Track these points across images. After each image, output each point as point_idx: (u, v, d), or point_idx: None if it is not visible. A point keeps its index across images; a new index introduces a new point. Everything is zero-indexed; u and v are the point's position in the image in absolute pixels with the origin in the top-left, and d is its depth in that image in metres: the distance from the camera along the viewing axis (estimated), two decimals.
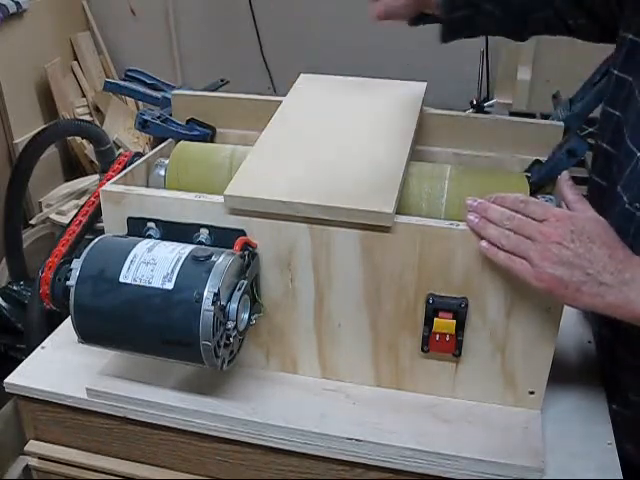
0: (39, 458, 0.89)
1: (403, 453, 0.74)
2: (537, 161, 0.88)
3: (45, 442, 0.89)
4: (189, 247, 0.74)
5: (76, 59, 2.69)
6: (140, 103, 2.55)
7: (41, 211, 2.31)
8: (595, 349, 0.91)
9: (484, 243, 0.70)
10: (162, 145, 0.96)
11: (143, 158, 0.91)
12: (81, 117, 2.57)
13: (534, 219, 0.68)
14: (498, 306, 0.74)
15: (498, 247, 0.69)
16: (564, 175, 0.76)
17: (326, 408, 0.79)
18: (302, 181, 0.76)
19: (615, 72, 0.82)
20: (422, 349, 0.77)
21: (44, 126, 2.22)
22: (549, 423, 0.78)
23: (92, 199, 0.93)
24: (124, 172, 0.86)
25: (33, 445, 0.89)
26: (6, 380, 0.86)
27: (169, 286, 0.70)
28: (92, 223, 0.92)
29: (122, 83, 1.08)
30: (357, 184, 0.75)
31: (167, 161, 0.92)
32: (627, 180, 0.78)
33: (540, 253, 0.66)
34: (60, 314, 0.87)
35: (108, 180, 0.84)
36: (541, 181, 0.84)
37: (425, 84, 1.01)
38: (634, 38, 0.78)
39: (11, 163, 2.31)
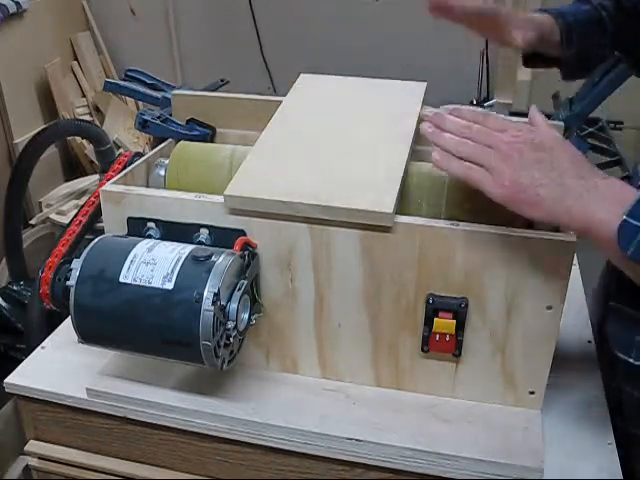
0: (39, 458, 0.89)
1: (403, 453, 0.74)
2: None
3: (45, 442, 0.89)
4: (189, 247, 0.74)
5: (76, 59, 2.70)
6: (140, 103, 2.55)
7: (41, 211, 2.31)
8: (595, 349, 0.91)
9: (436, 154, 0.68)
10: (162, 145, 0.96)
11: (143, 158, 0.92)
12: (81, 117, 2.57)
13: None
14: (498, 306, 0.74)
15: (454, 156, 0.67)
16: (534, 107, 0.72)
17: (326, 408, 0.79)
18: (302, 181, 0.76)
19: None
20: (422, 349, 0.77)
21: (44, 126, 2.22)
22: (549, 423, 0.78)
23: (92, 199, 0.93)
24: (124, 172, 0.86)
25: (33, 445, 0.89)
26: (6, 380, 0.86)
27: (169, 286, 0.70)
28: (92, 223, 0.93)
29: (122, 83, 1.08)
30: (357, 184, 0.75)
31: (167, 161, 0.92)
32: None
33: (500, 160, 0.64)
34: (60, 314, 0.87)
35: (108, 180, 0.84)
36: None
37: (425, 84, 1.01)
38: None
39: (11, 163, 2.31)
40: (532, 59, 0.96)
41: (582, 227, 0.63)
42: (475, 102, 2.04)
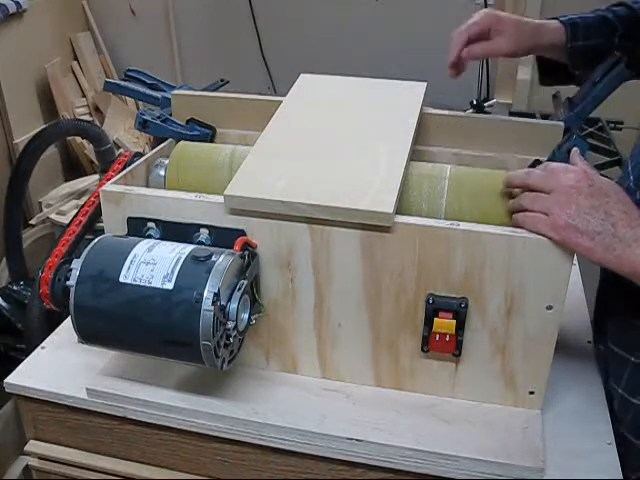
0: (39, 458, 0.89)
1: (403, 453, 0.74)
2: (537, 161, 0.88)
3: (45, 442, 0.89)
4: (189, 247, 0.74)
5: (76, 59, 2.69)
6: (140, 103, 2.55)
7: (41, 211, 2.31)
8: (596, 348, 0.91)
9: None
10: (162, 145, 0.96)
11: (143, 158, 0.92)
12: (81, 117, 2.57)
13: None
14: (498, 306, 0.74)
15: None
16: (575, 150, 0.77)
17: (326, 408, 0.79)
18: (302, 181, 0.76)
19: None
20: (422, 349, 0.77)
21: (44, 126, 2.22)
22: (549, 423, 0.78)
23: (92, 199, 0.93)
24: (124, 172, 0.86)
25: (33, 445, 0.89)
26: (6, 380, 0.86)
27: (169, 286, 0.70)
28: (92, 223, 0.92)
29: (122, 83, 1.08)
30: (357, 184, 0.75)
31: (167, 161, 0.92)
32: (637, 160, 0.82)
33: (556, 203, 0.68)
34: (60, 314, 0.87)
35: (108, 180, 0.84)
36: None
37: (425, 84, 1.01)
38: None
39: (11, 163, 2.31)
40: (547, 75, 1.01)
41: (629, 272, 0.68)
42: (475, 102, 2.03)
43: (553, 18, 0.97)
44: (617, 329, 0.84)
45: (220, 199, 0.75)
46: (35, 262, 1.95)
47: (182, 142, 0.96)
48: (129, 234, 0.80)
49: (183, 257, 0.72)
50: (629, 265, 0.67)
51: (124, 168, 0.90)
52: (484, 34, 0.92)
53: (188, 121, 1.00)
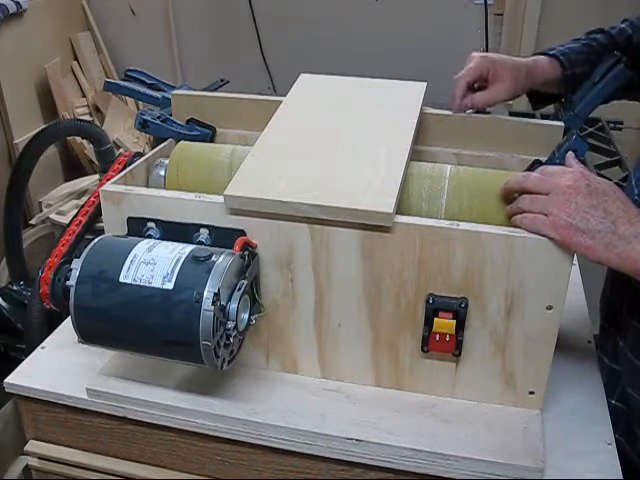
0: (39, 458, 0.89)
1: (403, 453, 0.74)
2: (537, 161, 0.88)
3: (45, 442, 0.89)
4: (189, 247, 0.74)
5: (76, 59, 2.69)
6: (140, 103, 2.55)
7: (41, 211, 2.31)
8: (595, 347, 0.91)
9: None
10: (162, 145, 0.96)
11: (143, 158, 0.92)
12: (81, 117, 2.56)
13: None
14: (498, 306, 0.74)
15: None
16: (570, 154, 0.78)
17: (326, 408, 0.79)
18: (302, 181, 0.76)
19: None
20: (422, 349, 0.77)
21: (44, 126, 2.22)
22: (549, 423, 0.78)
23: (92, 199, 0.93)
24: (124, 172, 0.86)
25: (33, 445, 0.89)
26: (6, 380, 0.86)
27: (169, 286, 0.70)
28: (92, 223, 0.93)
29: (122, 83, 1.08)
30: (357, 184, 0.75)
31: (167, 161, 0.92)
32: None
33: (556, 204, 0.68)
34: (60, 314, 0.87)
35: (108, 180, 0.84)
36: None
37: (425, 84, 1.01)
38: None
39: (11, 163, 2.31)
40: (539, 101, 1.03)
41: (631, 270, 0.68)
42: None
43: (540, 53, 1.00)
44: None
45: (220, 199, 0.75)
46: (35, 262, 1.95)
47: (182, 142, 0.96)
48: (129, 234, 0.80)
49: (183, 257, 0.72)
50: (630, 262, 0.67)
51: (124, 168, 0.90)
52: (482, 78, 0.95)
53: (188, 121, 1.00)
